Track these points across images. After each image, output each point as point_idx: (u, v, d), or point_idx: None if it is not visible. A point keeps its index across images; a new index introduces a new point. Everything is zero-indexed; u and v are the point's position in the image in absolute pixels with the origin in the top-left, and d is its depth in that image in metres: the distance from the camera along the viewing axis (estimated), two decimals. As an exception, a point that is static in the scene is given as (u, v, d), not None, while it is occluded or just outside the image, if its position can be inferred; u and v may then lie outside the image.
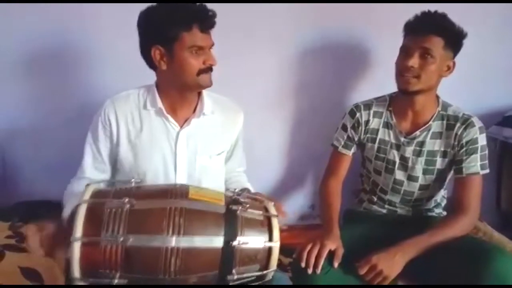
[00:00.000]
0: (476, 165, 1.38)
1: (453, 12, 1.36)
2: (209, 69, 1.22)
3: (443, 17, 1.36)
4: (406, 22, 1.40)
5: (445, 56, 1.36)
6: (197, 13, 1.17)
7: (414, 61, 1.34)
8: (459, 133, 1.39)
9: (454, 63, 1.40)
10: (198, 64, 1.19)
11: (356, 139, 1.52)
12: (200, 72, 1.20)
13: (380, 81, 1.65)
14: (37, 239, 1.04)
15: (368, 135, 1.50)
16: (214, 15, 1.19)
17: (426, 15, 1.37)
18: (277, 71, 1.75)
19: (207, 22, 1.18)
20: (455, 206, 1.39)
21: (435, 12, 1.37)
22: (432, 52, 1.33)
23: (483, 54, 1.72)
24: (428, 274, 1.31)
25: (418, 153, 1.44)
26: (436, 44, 1.33)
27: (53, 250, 1.06)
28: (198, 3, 1.19)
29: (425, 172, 1.45)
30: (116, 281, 0.92)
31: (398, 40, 1.41)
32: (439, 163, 1.44)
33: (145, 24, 1.19)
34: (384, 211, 1.53)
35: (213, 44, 1.23)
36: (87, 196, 0.98)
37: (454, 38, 1.37)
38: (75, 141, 1.32)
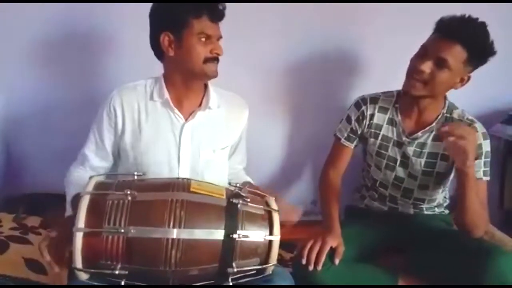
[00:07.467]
0: (480, 171, 1.33)
1: (457, 10, 1.32)
2: (215, 59, 1.23)
3: (480, 26, 1.24)
4: (440, 18, 1.28)
5: (462, 70, 1.27)
6: (207, 3, 1.20)
7: (427, 66, 1.25)
8: None
9: (469, 77, 1.30)
10: (205, 52, 1.21)
11: (359, 132, 1.50)
12: (207, 60, 1.21)
13: (384, 79, 1.64)
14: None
15: (371, 130, 1.47)
16: (224, 7, 1.22)
17: (461, 19, 1.24)
18: (281, 65, 1.75)
19: (216, 12, 1.21)
20: None
21: (476, 19, 1.23)
22: (449, 64, 1.23)
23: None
24: (429, 273, 1.31)
25: (418, 154, 1.41)
26: (457, 56, 1.23)
27: (62, 255, 1.06)
28: None
29: (424, 173, 1.42)
30: (117, 272, 0.93)
31: (402, 39, 1.41)
32: (439, 166, 1.41)
33: (157, 11, 1.22)
34: (385, 208, 1.52)
35: (221, 36, 1.25)
36: (90, 188, 0.99)
37: (481, 55, 1.25)
38: (81, 132, 1.33)
